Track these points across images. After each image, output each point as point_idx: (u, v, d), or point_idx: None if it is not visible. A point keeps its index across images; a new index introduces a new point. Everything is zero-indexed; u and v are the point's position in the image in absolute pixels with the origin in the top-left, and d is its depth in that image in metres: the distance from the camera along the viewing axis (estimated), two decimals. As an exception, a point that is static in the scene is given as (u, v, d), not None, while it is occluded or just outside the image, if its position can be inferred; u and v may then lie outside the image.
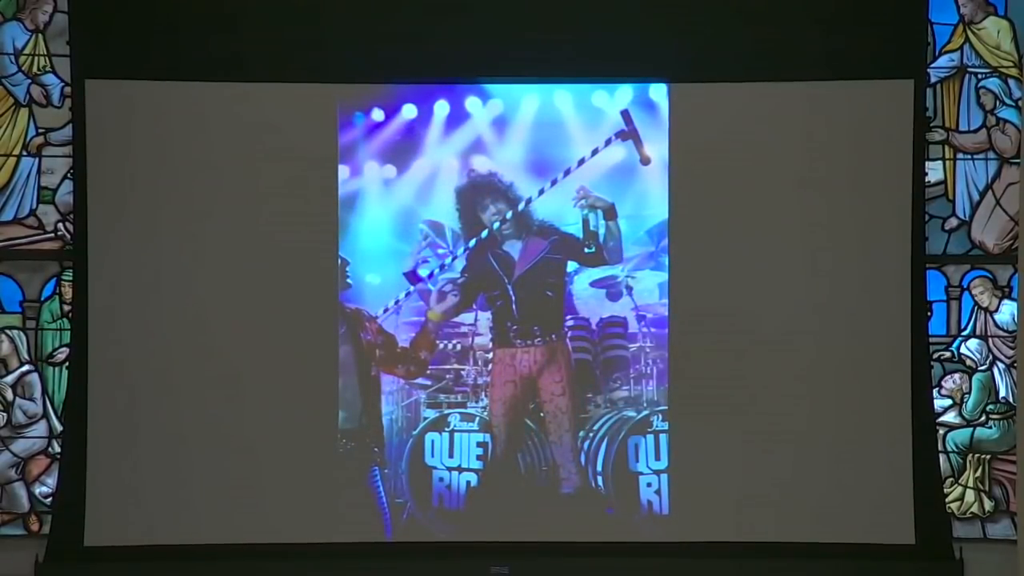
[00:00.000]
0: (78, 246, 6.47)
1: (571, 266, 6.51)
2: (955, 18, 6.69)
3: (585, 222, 6.47)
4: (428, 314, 6.51)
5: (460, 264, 6.53)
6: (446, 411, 6.52)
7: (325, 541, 6.43)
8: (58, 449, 6.59)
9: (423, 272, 6.52)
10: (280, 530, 6.42)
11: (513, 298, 6.49)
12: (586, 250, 6.48)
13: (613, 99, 6.46)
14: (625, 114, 6.44)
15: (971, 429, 6.65)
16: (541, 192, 6.48)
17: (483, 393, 6.52)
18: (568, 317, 6.52)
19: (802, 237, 6.43)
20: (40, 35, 6.70)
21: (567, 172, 6.46)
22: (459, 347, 6.53)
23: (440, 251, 6.53)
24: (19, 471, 6.66)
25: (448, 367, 6.53)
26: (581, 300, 6.52)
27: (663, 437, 6.47)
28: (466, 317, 6.54)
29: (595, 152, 6.46)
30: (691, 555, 6.40)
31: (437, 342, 6.52)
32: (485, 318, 6.53)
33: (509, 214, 6.50)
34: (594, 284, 6.52)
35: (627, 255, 6.50)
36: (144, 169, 6.41)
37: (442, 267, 6.52)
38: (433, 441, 6.50)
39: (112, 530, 6.38)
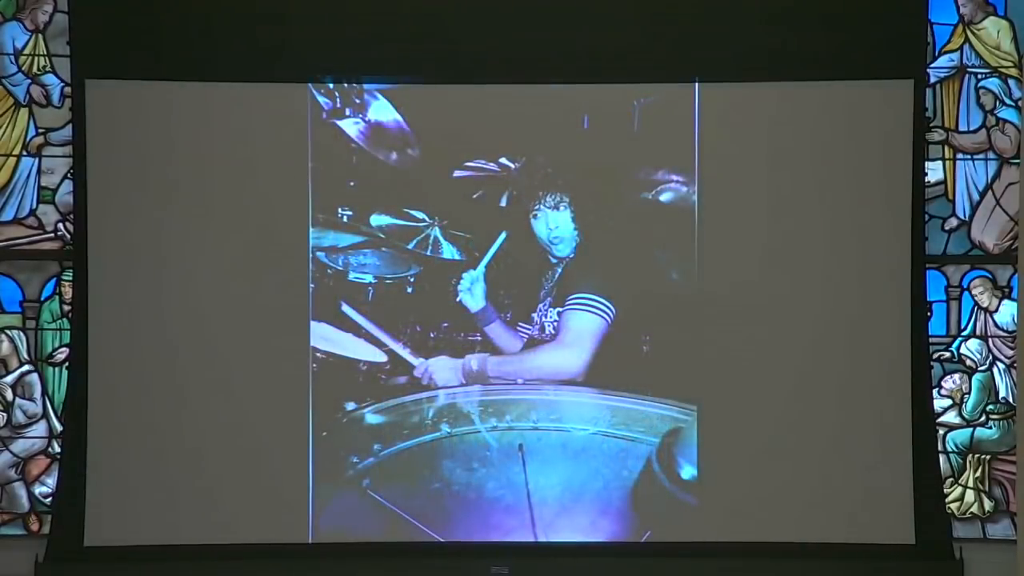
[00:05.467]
0: (78, 246, 6.47)
1: (571, 266, 6.53)
2: (955, 18, 6.69)
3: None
4: (428, 314, 6.52)
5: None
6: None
7: (325, 541, 6.43)
8: (58, 449, 6.59)
9: (423, 272, 6.54)
10: (280, 530, 6.42)
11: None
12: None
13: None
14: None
15: (971, 429, 6.65)
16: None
17: (483, 393, 6.55)
18: (571, 317, 6.54)
19: (801, 237, 6.43)
20: (40, 35, 6.70)
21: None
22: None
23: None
24: (19, 471, 6.66)
25: (448, 367, 6.55)
26: (584, 300, 6.55)
27: (663, 437, 6.50)
28: (466, 317, 6.56)
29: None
30: (691, 555, 6.40)
31: (437, 342, 6.55)
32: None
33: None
34: (598, 284, 6.54)
35: (628, 255, 6.52)
36: (144, 169, 6.41)
37: (442, 267, 6.53)
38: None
39: (112, 530, 6.38)
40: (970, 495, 6.63)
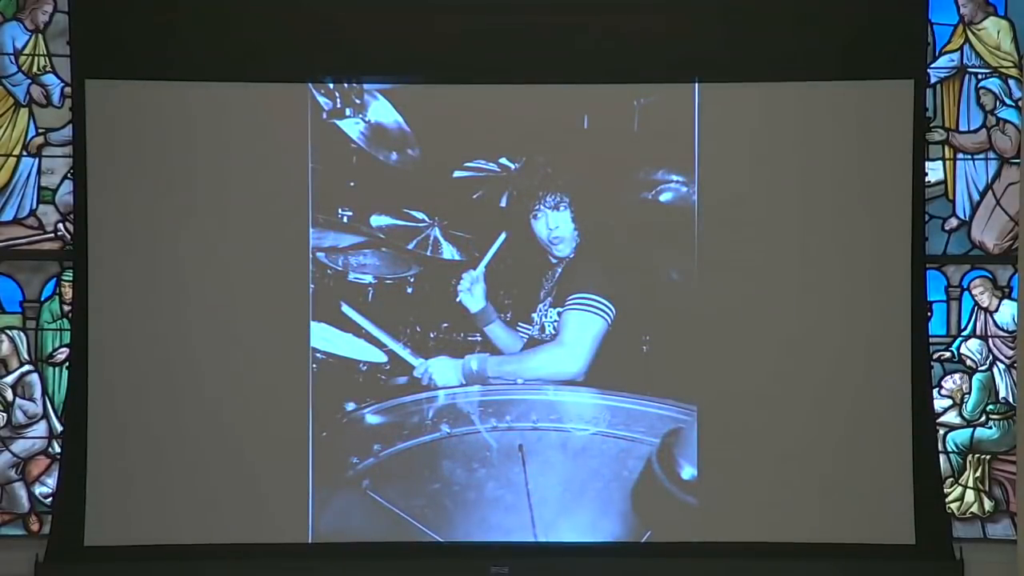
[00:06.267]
0: (78, 246, 6.47)
1: (572, 266, 6.53)
2: (955, 18, 6.69)
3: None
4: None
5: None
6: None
7: (325, 541, 6.43)
8: (58, 449, 6.59)
9: (423, 272, 6.54)
10: (281, 530, 6.42)
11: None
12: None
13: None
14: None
15: (971, 429, 6.65)
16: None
17: (483, 393, 6.54)
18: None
19: (802, 237, 6.43)
20: (40, 35, 6.70)
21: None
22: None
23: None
24: (19, 471, 6.66)
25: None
26: (583, 300, 6.54)
27: (663, 437, 6.50)
28: (467, 317, 6.56)
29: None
30: (690, 555, 6.40)
31: (437, 342, 6.54)
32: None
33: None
34: (597, 284, 6.54)
35: (629, 254, 6.51)
36: (144, 169, 6.41)
37: (442, 268, 6.53)
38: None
39: (112, 530, 6.38)
40: (970, 495, 6.63)
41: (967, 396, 6.65)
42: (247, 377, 6.41)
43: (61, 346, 6.67)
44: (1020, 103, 6.61)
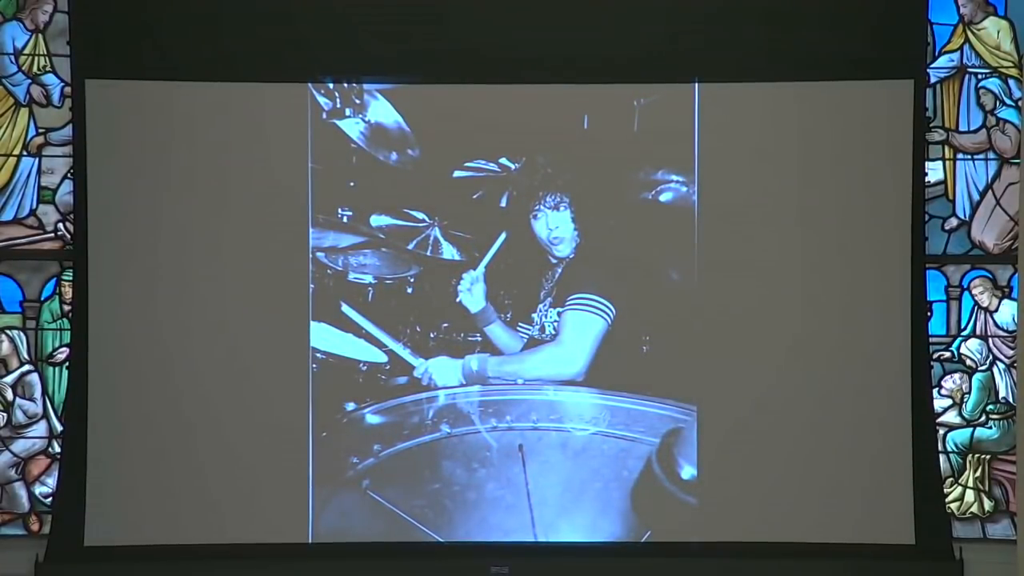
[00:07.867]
0: (78, 246, 6.47)
1: (571, 266, 6.52)
2: (955, 18, 6.69)
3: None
4: (428, 314, 6.52)
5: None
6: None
7: (325, 541, 6.43)
8: (58, 449, 6.59)
9: (423, 272, 6.54)
10: (281, 530, 6.42)
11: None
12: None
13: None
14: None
15: (971, 429, 6.65)
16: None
17: (483, 393, 6.54)
18: (569, 317, 6.53)
19: (802, 237, 6.43)
20: (40, 35, 6.70)
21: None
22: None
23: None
24: (19, 471, 6.67)
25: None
26: (582, 300, 6.54)
27: (663, 437, 6.49)
28: (466, 317, 6.56)
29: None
30: (690, 555, 6.41)
31: (437, 342, 6.54)
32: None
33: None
34: (595, 284, 6.54)
35: (628, 255, 6.51)
36: (144, 169, 6.42)
37: (442, 267, 6.53)
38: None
39: (112, 530, 6.38)
40: (970, 495, 6.63)
41: (967, 396, 6.66)
42: (247, 377, 6.42)
43: (61, 346, 6.67)
44: (1020, 103, 6.61)
